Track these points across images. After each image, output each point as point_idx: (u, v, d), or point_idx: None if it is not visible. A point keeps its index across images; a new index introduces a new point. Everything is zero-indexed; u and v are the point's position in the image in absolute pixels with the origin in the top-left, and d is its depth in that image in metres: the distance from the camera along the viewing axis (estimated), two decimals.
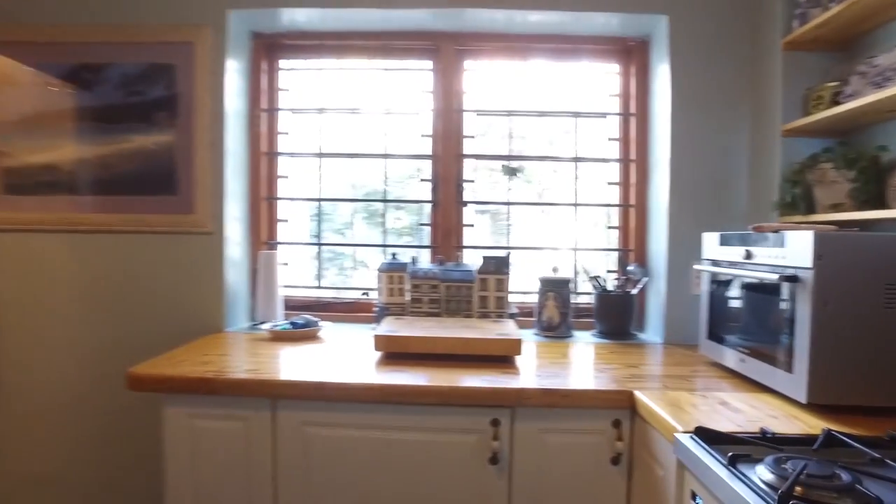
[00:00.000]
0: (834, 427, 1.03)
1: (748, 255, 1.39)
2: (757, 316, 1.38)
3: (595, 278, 2.01)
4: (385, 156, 2.21)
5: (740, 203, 1.91)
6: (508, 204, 2.20)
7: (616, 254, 2.15)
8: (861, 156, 1.51)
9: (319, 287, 2.27)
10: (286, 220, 2.27)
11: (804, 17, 1.66)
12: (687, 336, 1.83)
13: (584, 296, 2.16)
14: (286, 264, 2.23)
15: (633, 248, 2.13)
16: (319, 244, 2.27)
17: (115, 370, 1.54)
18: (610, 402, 1.33)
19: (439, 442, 1.37)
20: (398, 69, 2.20)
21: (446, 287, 1.99)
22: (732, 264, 1.47)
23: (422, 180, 2.21)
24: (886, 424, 1.07)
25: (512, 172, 2.19)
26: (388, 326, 1.73)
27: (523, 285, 2.12)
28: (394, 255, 2.10)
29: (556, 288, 1.95)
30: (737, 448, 0.93)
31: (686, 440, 1.02)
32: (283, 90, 2.25)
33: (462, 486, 1.37)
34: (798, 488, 0.81)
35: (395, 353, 1.62)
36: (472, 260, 2.15)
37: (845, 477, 0.84)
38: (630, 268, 2.03)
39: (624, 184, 2.16)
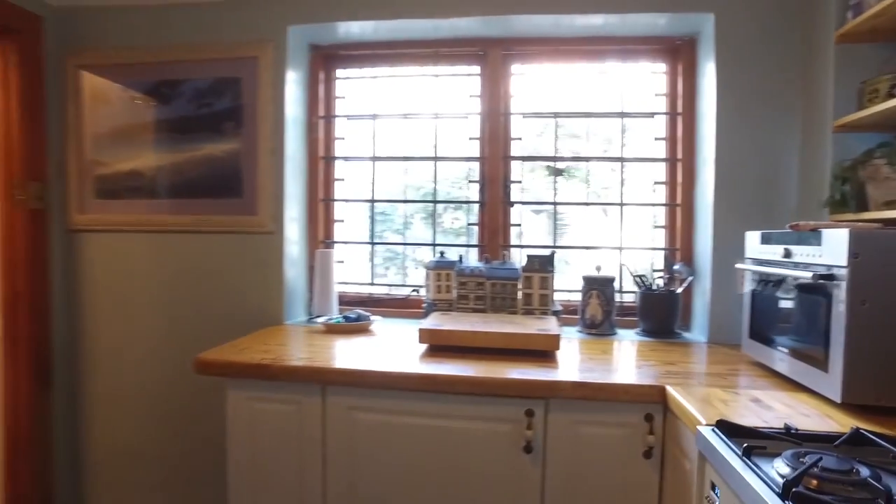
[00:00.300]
0: (867, 427, 1.02)
1: (787, 254, 1.39)
2: (796, 315, 1.37)
3: (639, 277, 2.02)
4: (435, 158, 2.31)
5: (790, 201, 1.87)
6: (555, 204, 2.24)
7: (662, 253, 2.15)
8: None
9: (373, 284, 2.39)
10: (342, 221, 2.41)
11: (859, 7, 1.62)
12: (732, 335, 1.81)
13: (630, 294, 2.17)
14: (342, 262, 2.37)
15: (679, 247, 2.12)
16: (372, 243, 2.39)
17: (187, 356, 1.72)
18: (642, 397, 1.36)
19: (476, 430, 1.44)
20: (447, 75, 2.29)
21: (492, 284, 2.06)
22: (772, 263, 1.46)
23: (470, 182, 2.29)
24: None
25: (558, 173, 2.22)
26: (433, 321, 1.82)
27: (574, 284, 2.15)
28: (442, 253, 2.19)
29: (599, 286, 1.98)
30: (757, 442, 0.95)
31: (707, 432, 1.05)
32: (339, 98, 2.39)
33: (497, 472, 1.44)
34: (814, 481, 0.83)
35: (438, 345, 1.70)
36: (521, 258, 2.20)
37: (864, 472, 0.85)
38: (676, 267, 2.03)
39: (670, 183, 2.15)
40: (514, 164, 2.24)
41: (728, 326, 1.85)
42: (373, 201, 2.38)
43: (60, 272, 2.25)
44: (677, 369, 1.52)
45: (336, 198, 2.40)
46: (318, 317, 2.12)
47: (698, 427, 1.08)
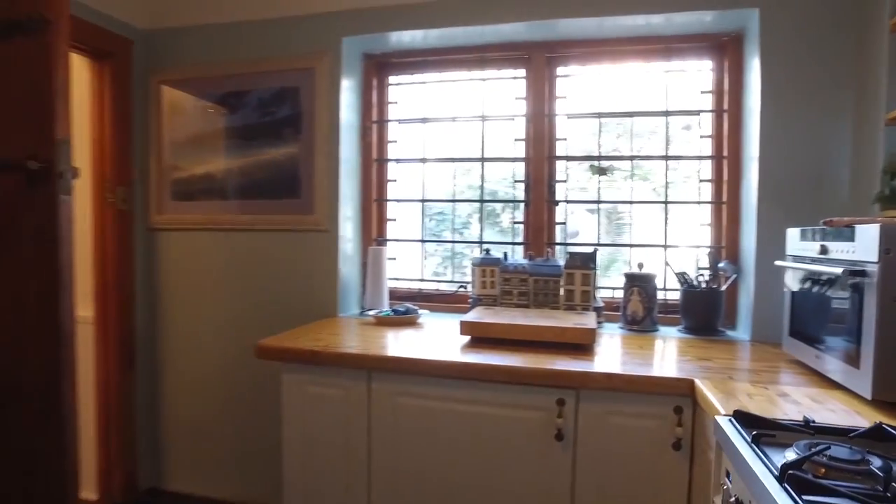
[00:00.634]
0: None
1: (823, 251, 1.38)
2: (832, 312, 1.36)
3: (681, 274, 2.03)
4: (482, 160, 2.39)
5: (841, 197, 1.83)
6: (598, 202, 2.27)
7: (708, 250, 2.14)
8: None
9: (423, 280, 2.50)
10: (394, 220, 2.54)
11: None
12: (775, 334, 1.79)
13: (674, 292, 2.17)
14: (393, 259, 2.50)
15: (724, 244, 2.10)
16: (423, 241, 2.50)
17: (250, 343, 1.89)
18: (671, 389, 1.40)
19: (510, 416, 1.52)
20: (493, 79, 2.37)
21: (534, 281, 2.13)
22: (809, 260, 1.46)
23: (515, 181, 2.36)
24: None
25: (601, 172, 2.26)
26: (475, 314, 1.90)
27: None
28: (487, 250, 2.27)
29: (640, 283, 2.00)
30: (770, 431, 0.98)
31: (723, 422, 1.08)
32: (391, 103, 2.51)
33: (529, 457, 1.51)
34: (822, 469, 0.86)
35: (479, 337, 1.79)
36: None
37: (875, 463, 0.87)
38: (721, 264, 2.02)
39: (716, 181, 2.14)
40: (561, 164, 2.29)
41: (772, 325, 1.82)
42: (423, 201, 2.49)
43: (142, 267, 2.51)
44: (712, 365, 1.53)
45: (388, 198, 2.52)
46: (370, 310, 2.25)
47: (716, 417, 1.12)
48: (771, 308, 1.84)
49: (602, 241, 2.27)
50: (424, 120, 2.45)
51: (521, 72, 2.32)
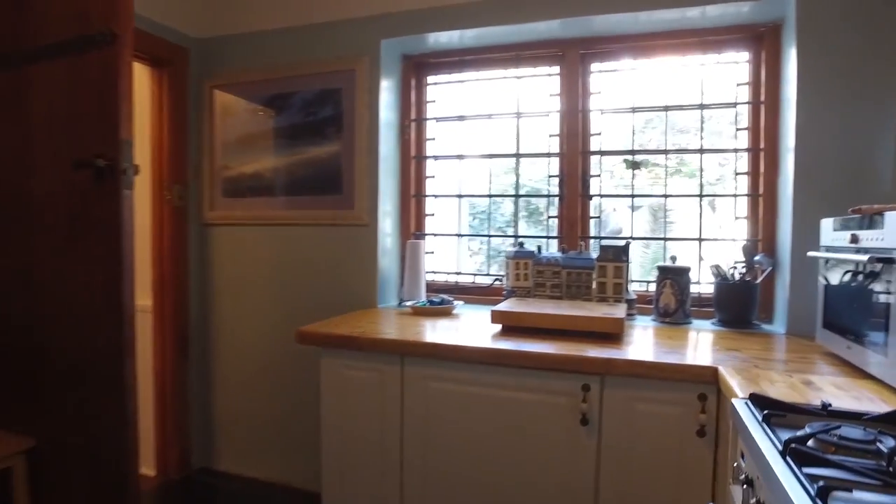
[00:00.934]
0: None
1: (854, 239, 1.37)
2: (862, 301, 1.35)
3: (714, 267, 2.02)
4: (517, 155, 2.44)
5: (884, 187, 1.79)
6: (633, 196, 2.29)
7: (744, 243, 2.12)
8: None
9: (460, 273, 2.57)
10: (432, 215, 2.61)
11: None
12: (811, 327, 1.76)
13: (710, 286, 2.16)
14: (431, 253, 2.58)
15: (761, 237, 2.08)
16: (459, 235, 2.57)
17: (294, 331, 2.01)
18: (695, 376, 1.41)
19: (536, 401, 1.57)
20: (528, 76, 2.41)
21: (567, 273, 2.16)
22: (840, 249, 1.45)
23: (550, 176, 2.40)
24: None
25: (635, 166, 2.27)
26: (507, 304, 1.96)
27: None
28: (521, 244, 2.32)
29: (672, 275, 2.01)
30: (782, 413, 1.00)
31: (739, 404, 1.10)
32: (430, 102, 2.60)
33: (555, 441, 1.56)
34: (832, 448, 0.88)
35: (510, 326, 1.85)
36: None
37: (888, 443, 0.88)
38: (757, 257, 2.00)
39: (753, 173, 2.12)
40: (597, 159, 2.32)
41: (807, 318, 1.80)
42: (459, 196, 2.56)
43: (195, 260, 2.68)
44: (740, 355, 1.54)
45: (426, 194, 2.61)
46: (407, 301, 2.33)
47: (732, 399, 1.14)
48: (806, 301, 1.82)
49: (645, 239, 2.28)
50: (461, 118, 2.52)
51: (556, 69, 2.36)
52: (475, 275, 2.56)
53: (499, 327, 1.88)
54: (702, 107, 2.18)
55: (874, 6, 1.79)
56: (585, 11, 2.11)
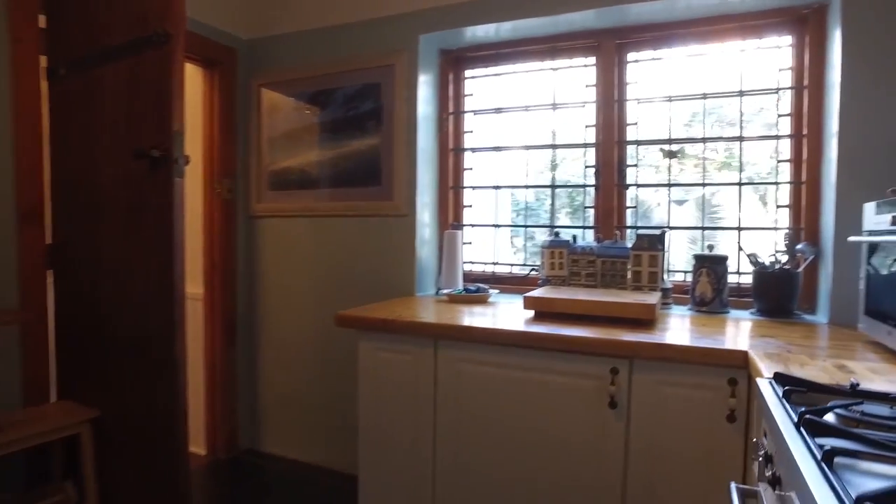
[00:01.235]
0: None
1: (894, 221, 1.34)
2: None
3: (752, 255, 1.98)
4: (553, 146, 2.46)
5: None
6: (669, 185, 2.27)
7: (786, 232, 2.07)
8: None
9: (497, 263, 2.61)
10: (470, 206, 2.66)
11: None
12: (855, 317, 1.72)
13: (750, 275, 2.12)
14: (469, 243, 2.63)
15: (803, 226, 2.03)
16: (496, 226, 2.61)
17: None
18: (725, 360, 1.41)
19: (565, 383, 1.60)
20: (564, 68, 2.42)
21: (602, 262, 2.17)
22: (880, 232, 1.41)
23: (586, 167, 2.40)
24: None
25: (672, 155, 2.25)
26: (539, 291, 1.98)
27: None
28: (556, 233, 2.34)
29: (709, 264, 1.99)
30: (802, 388, 1.00)
31: (763, 383, 1.10)
32: (467, 95, 2.64)
33: (583, 423, 1.58)
34: (855, 424, 0.88)
35: (542, 312, 1.87)
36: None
37: None
38: (799, 246, 1.96)
39: (795, 160, 2.07)
40: (636, 149, 2.31)
41: (850, 307, 1.75)
42: (496, 188, 2.59)
43: (243, 250, 2.81)
44: (775, 341, 1.52)
45: (464, 185, 2.65)
46: (444, 290, 2.39)
47: (757, 380, 1.13)
48: (849, 289, 1.77)
49: (682, 229, 2.25)
50: (498, 110, 2.56)
51: (591, 59, 2.36)
52: (512, 265, 2.59)
53: (531, 313, 1.91)
54: (741, 94, 2.14)
55: None
56: (618, 0, 2.11)
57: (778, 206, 2.11)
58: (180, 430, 1.67)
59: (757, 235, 2.14)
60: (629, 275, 2.12)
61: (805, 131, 2.04)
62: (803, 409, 0.87)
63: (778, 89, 2.10)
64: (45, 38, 2.03)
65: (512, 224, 2.63)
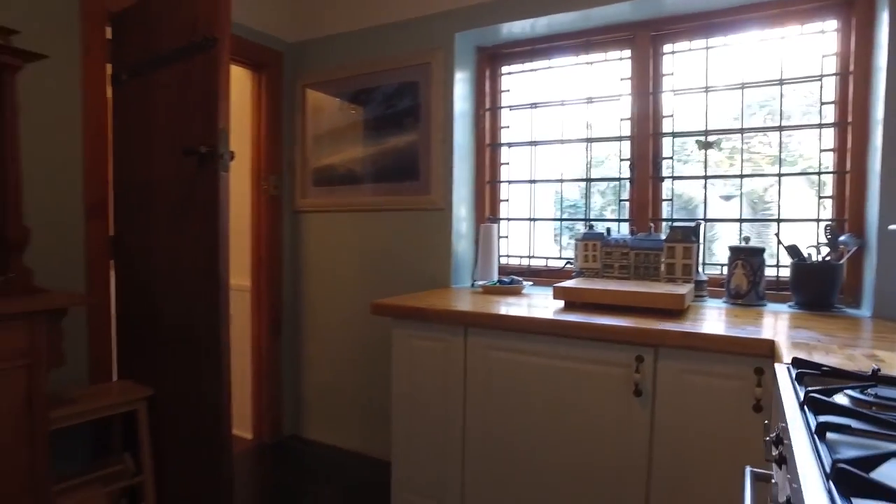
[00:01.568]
0: None
1: None
2: None
3: (792, 247, 1.94)
4: (588, 140, 2.46)
5: None
6: (706, 178, 2.23)
7: (827, 224, 2.01)
8: None
9: (532, 256, 2.63)
10: (507, 200, 2.69)
11: None
12: None
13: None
14: (506, 237, 2.66)
15: (847, 217, 1.97)
16: (532, 219, 2.63)
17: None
18: (751, 349, 1.39)
19: (591, 371, 1.62)
20: (599, 62, 2.43)
21: (635, 254, 2.16)
22: None
23: (621, 160, 2.40)
24: None
25: (708, 146, 2.22)
26: (570, 282, 2.00)
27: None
28: (591, 226, 2.35)
29: (744, 256, 1.95)
30: (815, 371, 0.99)
31: (780, 368, 1.09)
32: (504, 91, 2.68)
33: (609, 409, 1.59)
34: (871, 406, 0.87)
35: (573, 303, 1.89)
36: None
37: None
38: (842, 238, 1.90)
39: (839, 149, 2.00)
40: (675, 142, 2.29)
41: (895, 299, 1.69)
42: (532, 182, 2.62)
43: (288, 244, 2.94)
44: (809, 333, 1.49)
45: (500, 179, 2.69)
46: (479, 282, 2.43)
47: (776, 365, 1.13)
48: (894, 282, 1.71)
49: (742, 230, 2.22)
50: (534, 105, 2.58)
51: (627, 52, 2.36)
52: (547, 258, 2.61)
53: (561, 304, 1.93)
54: (781, 82, 2.09)
55: None
56: None
57: (821, 197, 2.05)
58: (224, 413, 1.78)
59: (805, 228, 2.08)
60: (662, 267, 2.11)
61: (850, 119, 1.97)
62: (806, 388, 0.87)
63: (822, 76, 2.04)
64: (111, 48, 2.20)
65: (546, 218, 2.64)
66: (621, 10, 2.23)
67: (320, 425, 2.93)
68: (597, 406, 1.61)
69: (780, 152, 2.10)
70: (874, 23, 1.90)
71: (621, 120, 2.38)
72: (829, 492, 0.57)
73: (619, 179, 2.42)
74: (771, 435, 1.03)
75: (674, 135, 2.29)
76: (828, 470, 0.61)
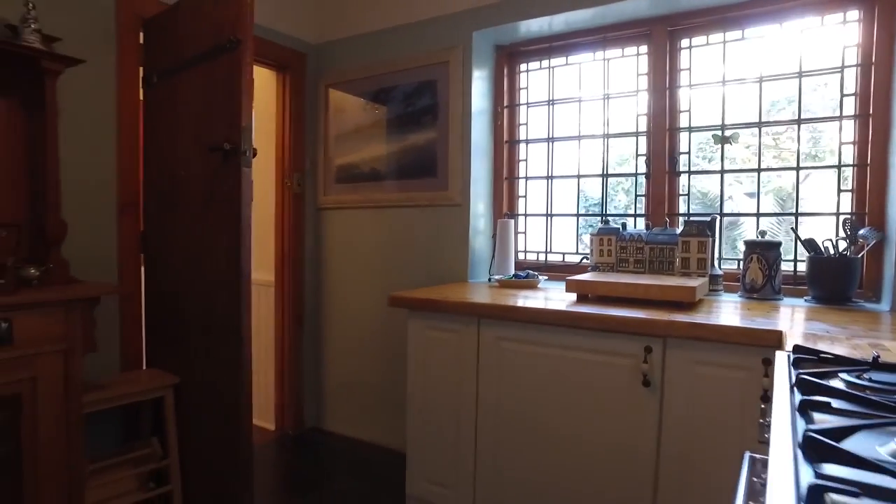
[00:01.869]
0: None
1: None
2: None
3: (808, 241, 1.92)
4: (605, 136, 2.47)
5: None
6: (722, 172, 2.23)
7: (846, 217, 1.98)
8: None
9: (549, 252, 2.65)
10: (524, 196, 2.72)
11: None
12: None
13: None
14: (523, 232, 2.69)
15: (867, 211, 1.94)
16: (549, 215, 2.65)
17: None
18: (759, 340, 1.40)
19: (601, 361, 1.64)
20: (616, 58, 2.44)
21: (650, 249, 2.17)
22: None
23: (638, 155, 2.40)
24: None
25: (725, 140, 2.21)
26: (583, 276, 2.02)
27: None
28: (607, 221, 2.36)
29: (760, 250, 1.94)
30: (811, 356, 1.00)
31: (780, 355, 1.10)
32: (522, 89, 2.71)
33: (618, 399, 1.61)
34: (865, 390, 0.88)
35: (586, 296, 1.92)
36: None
37: None
38: (862, 231, 1.88)
39: (860, 142, 1.98)
40: (693, 137, 2.29)
41: None
42: (549, 178, 2.64)
43: (310, 240, 3.02)
44: (821, 325, 1.48)
45: (518, 176, 2.72)
46: (496, 276, 2.47)
47: (777, 352, 1.14)
48: None
49: (734, 216, 2.21)
50: (551, 102, 2.60)
51: (644, 48, 2.36)
52: (564, 254, 2.63)
53: (574, 297, 1.95)
54: (800, 75, 2.07)
55: None
56: None
57: (840, 191, 2.02)
58: (244, 397, 1.85)
59: (830, 222, 2.05)
60: (677, 261, 2.11)
61: (871, 111, 1.95)
62: (798, 372, 0.88)
63: (843, 68, 2.01)
64: (143, 52, 2.31)
65: (562, 213, 2.66)
66: (638, 6, 2.24)
67: (342, 417, 3.00)
68: (606, 396, 1.63)
69: (799, 146, 2.08)
70: None
71: (638, 116, 2.38)
72: (795, 458, 0.59)
73: (635, 175, 2.42)
74: (767, 418, 1.04)
75: (690, 129, 2.28)
76: (800, 439, 0.63)
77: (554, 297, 2.02)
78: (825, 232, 2.02)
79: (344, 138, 2.92)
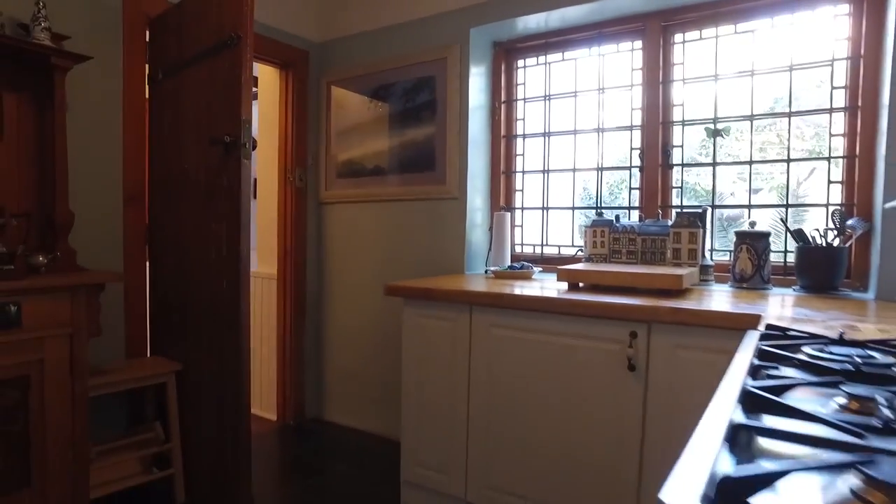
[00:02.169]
0: None
1: None
2: None
3: (797, 231, 1.95)
4: (599, 130, 2.51)
5: None
6: (714, 164, 2.26)
7: (835, 208, 2.01)
8: None
9: (544, 245, 2.70)
10: (521, 190, 2.76)
11: None
12: None
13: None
14: (520, 226, 2.73)
15: (856, 202, 1.97)
16: (545, 208, 2.69)
17: (392, 296, 2.30)
18: (740, 323, 1.43)
19: (588, 347, 1.68)
20: (611, 53, 2.47)
21: (642, 240, 2.21)
22: None
23: (632, 149, 2.44)
24: None
25: (717, 134, 2.24)
26: (575, 265, 2.06)
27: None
28: (601, 213, 2.40)
29: (749, 240, 1.98)
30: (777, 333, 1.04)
31: (753, 335, 1.14)
32: (519, 84, 2.75)
33: (604, 385, 1.65)
34: (819, 359, 0.92)
35: (575, 285, 1.96)
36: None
37: (879, 359, 0.91)
38: (850, 222, 1.90)
39: (849, 134, 2.00)
40: (688, 131, 2.32)
41: None
42: (545, 172, 2.68)
43: (312, 234, 3.08)
44: (804, 311, 1.51)
45: (515, 170, 2.76)
46: (492, 268, 2.51)
47: (748, 331, 1.17)
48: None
49: (726, 207, 2.24)
50: (548, 97, 2.65)
51: (638, 43, 2.40)
52: (560, 246, 2.67)
53: (565, 286, 1.99)
54: (791, 68, 2.10)
55: None
56: None
57: (830, 182, 2.05)
58: (243, 382, 1.91)
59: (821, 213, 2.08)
60: (669, 252, 2.14)
61: (860, 103, 1.97)
62: (761, 344, 0.92)
63: (833, 60, 2.04)
64: (148, 49, 2.38)
65: (558, 207, 2.70)
66: (633, 2, 2.27)
67: (341, 408, 3.05)
68: (592, 381, 1.67)
69: (789, 139, 2.11)
70: (885, 5, 1.90)
71: (632, 110, 2.42)
72: (734, 410, 0.64)
73: (629, 168, 2.46)
74: None
75: (683, 123, 2.32)
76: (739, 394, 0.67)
77: (546, 286, 2.06)
78: (821, 224, 2.05)
79: (345, 134, 2.98)
